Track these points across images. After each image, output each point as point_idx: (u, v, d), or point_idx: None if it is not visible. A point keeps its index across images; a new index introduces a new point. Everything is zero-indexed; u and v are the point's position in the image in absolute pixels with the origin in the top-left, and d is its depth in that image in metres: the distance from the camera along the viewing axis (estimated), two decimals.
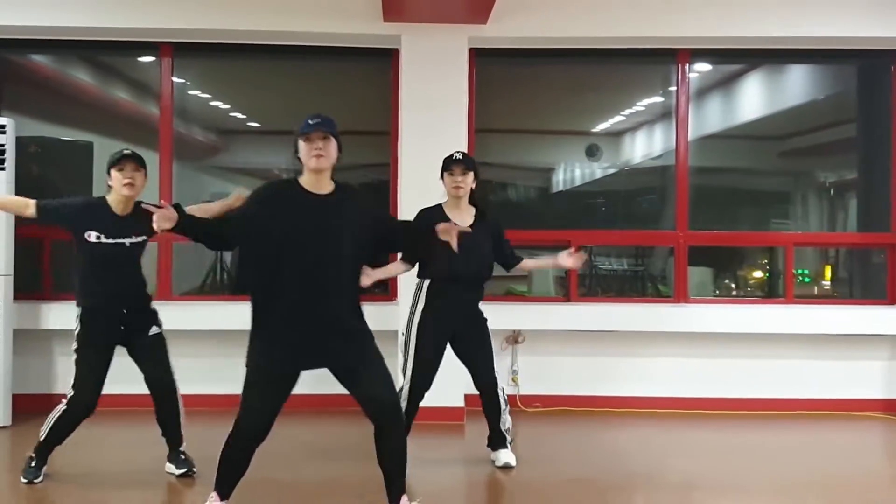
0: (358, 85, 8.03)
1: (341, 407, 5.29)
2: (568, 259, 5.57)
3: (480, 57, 7.31)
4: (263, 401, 4.17)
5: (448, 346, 5.55)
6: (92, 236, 5.03)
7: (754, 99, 8.45)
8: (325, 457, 5.93)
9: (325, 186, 4.25)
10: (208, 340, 6.91)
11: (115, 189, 5.08)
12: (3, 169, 6.48)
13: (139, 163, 5.11)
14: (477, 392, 5.66)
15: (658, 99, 8.26)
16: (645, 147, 8.56)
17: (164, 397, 5.27)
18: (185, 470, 5.30)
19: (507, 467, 5.58)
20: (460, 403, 6.79)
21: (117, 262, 5.10)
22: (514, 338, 7.28)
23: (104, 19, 6.97)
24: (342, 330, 4.20)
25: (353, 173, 7.95)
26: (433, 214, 5.34)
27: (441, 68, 6.97)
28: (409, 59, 7.03)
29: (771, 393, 7.38)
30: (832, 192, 8.46)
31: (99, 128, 8.12)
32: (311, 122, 4.18)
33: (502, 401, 5.60)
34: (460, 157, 5.50)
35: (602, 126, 8.67)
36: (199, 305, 7.41)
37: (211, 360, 6.80)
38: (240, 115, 8.62)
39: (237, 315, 6.71)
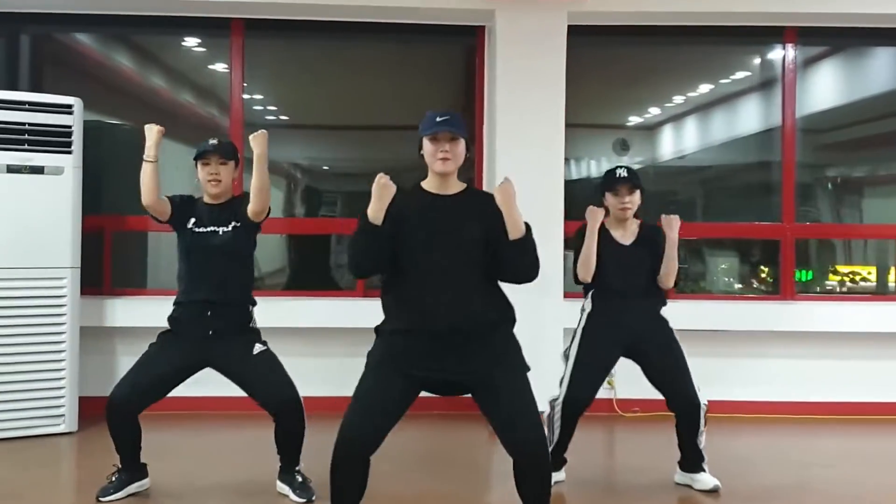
0: (433, 66, 7.59)
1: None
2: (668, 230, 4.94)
3: (572, 36, 6.74)
4: (367, 400, 3.66)
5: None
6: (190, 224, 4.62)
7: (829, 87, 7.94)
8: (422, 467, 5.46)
9: (452, 189, 3.78)
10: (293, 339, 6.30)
11: (202, 185, 4.63)
12: (70, 152, 6.03)
13: (225, 155, 4.60)
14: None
15: (754, 80, 7.79)
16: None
17: (282, 415, 4.64)
18: (305, 500, 4.60)
19: (716, 490, 4.90)
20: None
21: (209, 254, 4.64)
22: None
23: None
24: (473, 336, 3.68)
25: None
26: (600, 231, 4.89)
27: (539, 48, 6.48)
28: (504, 38, 6.52)
29: (888, 396, 6.93)
30: None
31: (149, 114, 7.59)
32: (438, 119, 3.69)
33: (703, 421, 4.93)
34: (625, 174, 4.86)
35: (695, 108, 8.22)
36: (282, 301, 6.80)
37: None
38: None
39: (323, 310, 6.65)
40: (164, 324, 4.71)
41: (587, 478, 5.17)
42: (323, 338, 6.57)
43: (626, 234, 4.93)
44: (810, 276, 7.74)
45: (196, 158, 4.60)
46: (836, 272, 7.85)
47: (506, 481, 3.82)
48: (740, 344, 6.82)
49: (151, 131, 4.62)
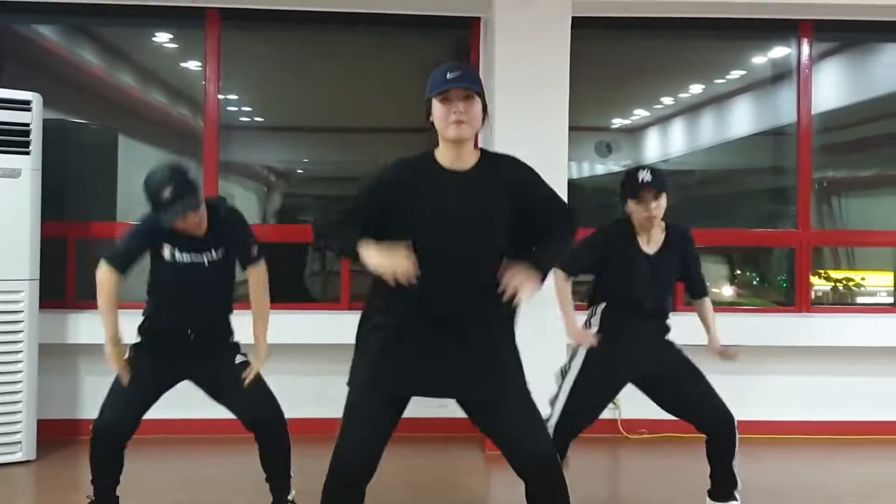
0: (421, 62, 7.12)
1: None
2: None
3: (575, 28, 6.28)
4: (361, 427, 3.26)
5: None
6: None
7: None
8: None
9: (468, 159, 3.26)
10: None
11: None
12: (27, 153, 5.57)
13: (191, 205, 3.98)
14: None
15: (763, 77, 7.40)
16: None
17: (264, 432, 4.29)
18: None
19: None
20: None
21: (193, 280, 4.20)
22: None
23: None
24: (476, 347, 3.25)
25: None
26: (618, 237, 4.46)
27: (540, 41, 6.02)
28: (503, 30, 6.06)
29: None
30: None
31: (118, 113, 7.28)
32: (449, 75, 3.16)
33: (737, 439, 4.46)
34: (649, 178, 4.31)
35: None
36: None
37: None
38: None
39: (303, 325, 6.13)
40: (134, 340, 4.23)
41: None
42: (305, 354, 6.10)
43: (650, 241, 4.45)
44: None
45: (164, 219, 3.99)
46: (828, 278, 7.46)
47: None
48: (753, 359, 6.35)
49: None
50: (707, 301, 4.66)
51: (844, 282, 7.41)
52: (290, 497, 4.31)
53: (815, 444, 6.39)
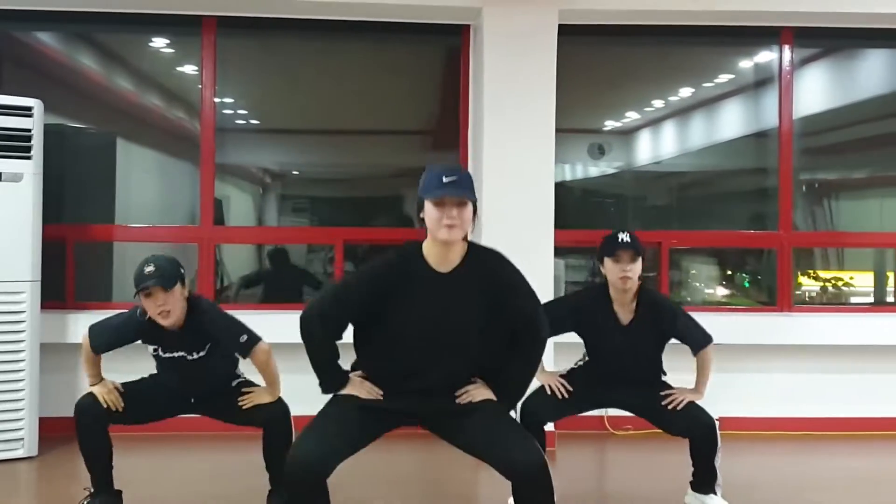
0: (413, 67, 7.29)
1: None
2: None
3: (569, 35, 6.43)
4: (329, 431, 3.47)
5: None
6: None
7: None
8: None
9: (454, 258, 3.47)
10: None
11: (152, 316, 4.25)
12: (29, 157, 5.68)
13: (167, 283, 4.15)
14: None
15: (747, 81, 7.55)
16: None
17: (269, 426, 4.47)
18: None
19: None
20: (550, 428, 5.99)
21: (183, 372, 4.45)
22: None
23: None
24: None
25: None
26: (594, 305, 4.60)
27: (528, 49, 6.16)
28: (492, 37, 6.19)
29: (891, 412, 6.73)
30: None
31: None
32: (445, 179, 3.33)
33: (719, 438, 4.58)
34: (628, 239, 4.47)
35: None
36: (252, 315, 6.44)
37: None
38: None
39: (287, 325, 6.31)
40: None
41: (577, 500, 4.91)
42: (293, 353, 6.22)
43: (625, 309, 4.58)
44: None
45: (137, 290, 4.17)
46: (817, 277, 7.63)
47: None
48: (736, 358, 6.51)
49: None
50: (707, 351, 4.66)
51: (833, 281, 7.59)
52: None
53: (796, 440, 6.52)
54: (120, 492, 4.47)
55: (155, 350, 4.36)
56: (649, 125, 8.03)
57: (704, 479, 4.66)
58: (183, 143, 7.11)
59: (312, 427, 3.46)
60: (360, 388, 3.54)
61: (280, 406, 4.42)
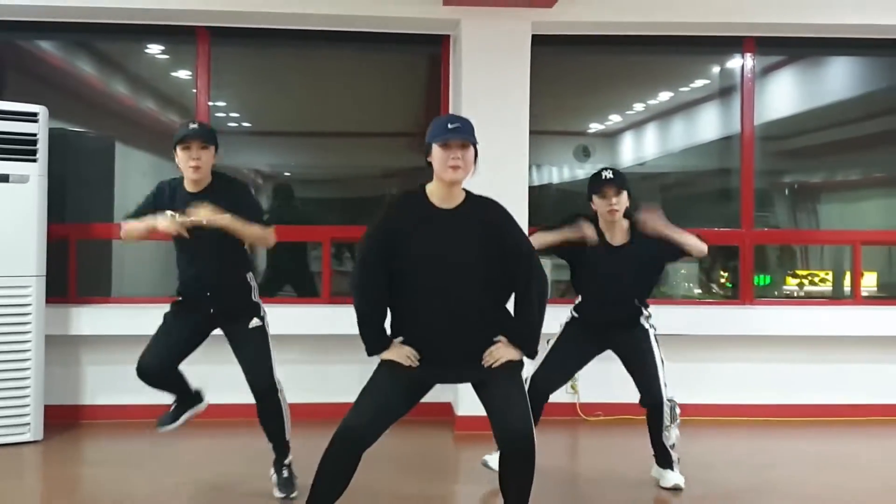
0: (399, 74, 7.61)
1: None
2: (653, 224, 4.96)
3: (535, 45, 6.75)
4: (376, 398, 3.79)
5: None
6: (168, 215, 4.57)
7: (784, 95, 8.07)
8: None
9: (456, 198, 3.84)
10: (294, 346, 6.37)
11: (182, 170, 4.62)
12: (35, 160, 6.00)
13: (206, 139, 4.59)
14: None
15: (713, 89, 7.93)
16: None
17: (258, 398, 4.74)
18: (283, 496, 4.75)
19: (676, 489, 5.04)
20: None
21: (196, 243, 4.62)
22: None
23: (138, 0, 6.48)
24: (471, 354, 3.87)
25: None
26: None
27: (504, 57, 6.51)
28: (470, 47, 6.55)
29: (842, 399, 7.06)
30: None
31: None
32: (449, 126, 3.75)
33: (667, 417, 5.01)
34: (611, 175, 4.93)
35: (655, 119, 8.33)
36: (285, 308, 6.61)
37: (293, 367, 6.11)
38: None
39: (324, 318, 6.62)
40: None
41: (551, 482, 5.19)
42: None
43: (615, 236, 5.01)
44: (768, 280, 7.88)
45: (176, 143, 4.57)
46: (795, 275, 7.99)
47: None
48: (700, 348, 6.91)
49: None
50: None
51: (810, 278, 7.95)
52: (286, 461, 4.81)
53: (755, 425, 6.85)
54: (199, 391, 4.98)
55: (173, 215, 4.52)
56: (631, 128, 8.38)
57: (658, 455, 5.10)
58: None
59: (358, 402, 3.79)
60: (399, 352, 3.84)
61: (269, 380, 4.71)
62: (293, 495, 4.71)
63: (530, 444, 3.71)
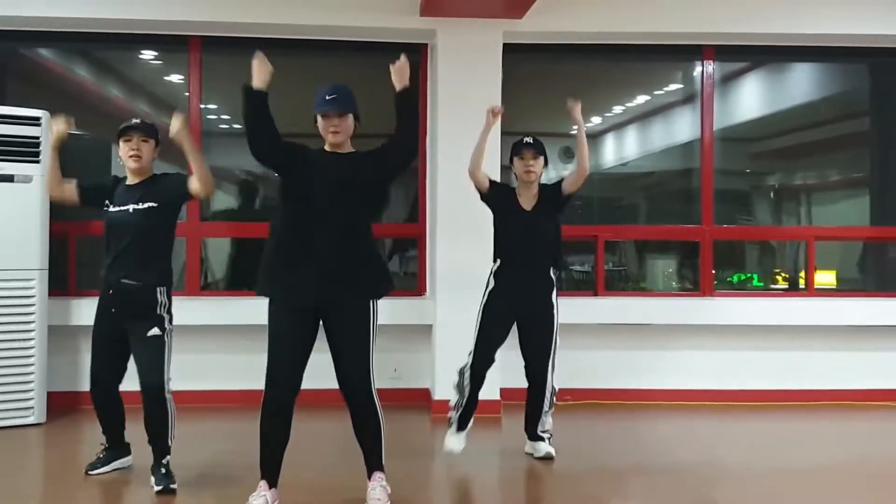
0: (379, 81, 7.88)
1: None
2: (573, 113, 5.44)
3: (511, 53, 7.17)
4: (287, 354, 4.28)
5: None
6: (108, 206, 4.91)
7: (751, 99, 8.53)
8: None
9: (344, 150, 4.46)
10: (238, 336, 6.82)
11: (123, 161, 4.95)
12: (38, 161, 6.37)
13: (147, 133, 4.94)
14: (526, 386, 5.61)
15: (678, 95, 8.34)
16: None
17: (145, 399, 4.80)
18: (161, 487, 4.71)
19: (548, 457, 5.49)
20: (496, 396, 6.72)
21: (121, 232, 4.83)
22: None
23: (133, 11, 6.85)
24: (341, 275, 4.29)
25: None
26: (505, 189, 5.56)
27: (477, 64, 6.93)
28: (445, 54, 6.98)
29: (795, 384, 7.46)
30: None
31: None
32: (327, 98, 4.34)
33: (547, 402, 5.49)
34: (531, 140, 5.45)
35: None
36: (227, 301, 7.18)
37: (240, 356, 6.68)
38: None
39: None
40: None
41: (519, 466, 5.56)
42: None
43: (528, 199, 5.47)
44: (744, 277, 8.28)
45: (119, 136, 4.92)
46: (781, 275, 8.40)
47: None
48: (662, 337, 7.34)
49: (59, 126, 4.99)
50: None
51: (784, 274, 8.35)
52: (164, 461, 4.78)
53: (712, 410, 7.22)
54: (128, 444, 5.15)
55: (108, 204, 4.84)
56: (610, 130, 8.86)
57: (531, 433, 5.61)
58: (171, 147, 7.54)
59: (275, 355, 4.27)
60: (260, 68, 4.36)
61: (158, 380, 4.74)
62: (173, 486, 4.72)
63: (370, 396, 4.34)
